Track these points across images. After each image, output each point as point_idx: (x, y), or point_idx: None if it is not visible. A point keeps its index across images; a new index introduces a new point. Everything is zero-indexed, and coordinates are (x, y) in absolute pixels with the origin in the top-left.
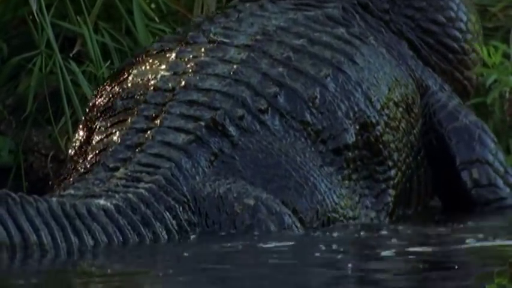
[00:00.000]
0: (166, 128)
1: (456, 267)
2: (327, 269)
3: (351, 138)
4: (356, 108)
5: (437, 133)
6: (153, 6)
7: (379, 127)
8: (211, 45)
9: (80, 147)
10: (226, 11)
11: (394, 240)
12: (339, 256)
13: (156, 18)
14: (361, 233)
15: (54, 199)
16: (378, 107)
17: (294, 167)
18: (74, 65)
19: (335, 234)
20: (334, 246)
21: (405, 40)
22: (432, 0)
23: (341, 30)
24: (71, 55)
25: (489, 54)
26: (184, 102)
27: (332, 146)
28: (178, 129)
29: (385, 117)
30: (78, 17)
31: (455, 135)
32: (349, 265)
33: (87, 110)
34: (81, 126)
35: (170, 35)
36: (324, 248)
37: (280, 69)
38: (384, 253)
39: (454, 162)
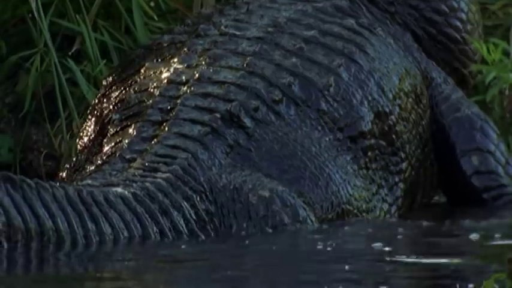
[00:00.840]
0: (182, 120)
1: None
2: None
3: (366, 125)
4: (370, 97)
5: (440, 124)
6: (152, 4)
7: (392, 117)
8: (223, 37)
9: (92, 138)
10: (235, 3)
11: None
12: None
13: (155, 17)
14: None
15: (71, 187)
16: (390, 96)
17: (309, 157)
18: (72, 64)
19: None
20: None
21: (409, 32)
22: None
23: (350, 21)
24: (70, 53)
25: (489, 52)
26: (199, 95)
27: (348, 134)
28: (194, 121)
29: (397, 107)
30: (77, 16)
31: (457, 125)
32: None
33: (96, 101)
34: (90, 117)
35: (180, 27)
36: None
37: (294, 59)
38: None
39: (455, 150)
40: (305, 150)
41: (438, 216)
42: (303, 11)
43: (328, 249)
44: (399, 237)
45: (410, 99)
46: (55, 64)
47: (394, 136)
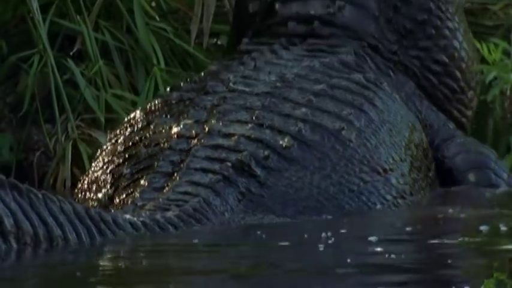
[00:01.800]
0: (193, 169)
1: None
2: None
3: (385, 165)
4: (383, 144)
5: (444, 166)
6: (153, 4)
7: (405, 164)
8: (231, 93)
9: (102, 191)
10: (242, 58)
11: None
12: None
13: (157, 17)
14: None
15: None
16: (403, 145)
17: (327, 197)
18: (71, 64)
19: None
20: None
21: (412, 80)
22: (437, 40)
23: (358, 76)
24: (71, 54)
25: (489, 51)
26: (209, 147)
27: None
28: (205, 170)
29: (410, 157)
30: (78, 16)
31: (462, 164)
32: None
33: (100, 153)
34: (97, 168)
35: (188, 84)
36: None
37: (303, 109)
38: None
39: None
40: (322, 191)
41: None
42: (310, 66)
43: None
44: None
45: (420, 152)
46: (51, 65)
47: (407, 186)
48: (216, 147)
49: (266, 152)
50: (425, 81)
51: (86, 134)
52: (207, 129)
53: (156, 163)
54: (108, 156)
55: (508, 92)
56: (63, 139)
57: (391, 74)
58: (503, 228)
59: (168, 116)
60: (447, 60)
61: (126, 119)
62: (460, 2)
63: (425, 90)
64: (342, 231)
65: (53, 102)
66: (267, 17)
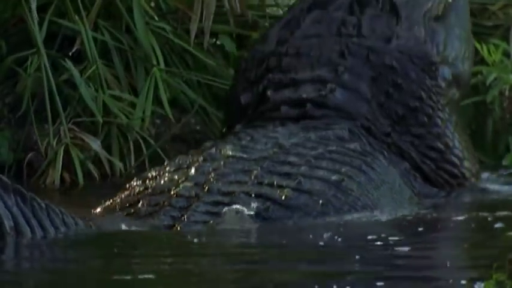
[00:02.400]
0: (194, 222)
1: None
2: None
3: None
4: (385, 199)
5: None
6: (152, 4)
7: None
8: (230, 159)
9: None
10: (238, 134)
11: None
12: None
13: (155, 17)
14: None
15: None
16: (404, 205)
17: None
18: (70, 64)
19: None
20: None
21: (408, 162)
22: (430, 128)
23: (354, 144)
24: (70, 54)
25: (489, 52)
26: (209, 203)
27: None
28: (205, 223)
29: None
30: (77, 16)
31: None
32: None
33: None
34: None
35: (185, 156)
36: None
37: (302, 168)
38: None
39: None
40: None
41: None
42: (306, 137)
43: None
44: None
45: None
46: (45, 66)
47: None
48: (217, 203)
49: (266, 204)
50: (424, 165)
51: (79, 138)
52: (206, 188)
53: (156, 218)
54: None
55: (507, 92)
56: (54, 143)
57: (385, 153)
58: (502, 228)
59: (167, 180)
60: (443, 147)
61: (124, 188)
62: (453, 97)
63: (424, 174)
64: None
65: (46, 104)
66: (259, 105)
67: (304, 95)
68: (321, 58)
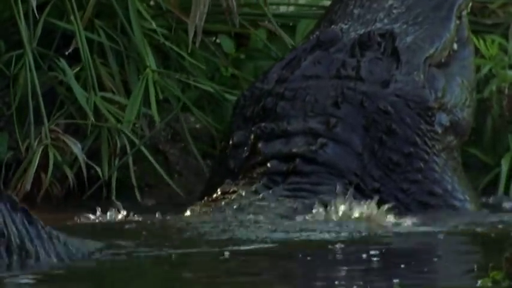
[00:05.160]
0: None
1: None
2: None
3: None
4: None
5: None
6: (151, 3)
7: None
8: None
9: None
10: (225, 200)
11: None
12: None
13: (149, 18)
14: None
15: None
16: None
17: None
18: (64, 64)
19: None
20: None
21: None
22: (426, 173)
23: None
24: (66, 53)
25: (486, 47)
26: None
27: None
28: None
29: None
30: (72, 15)
31: None
32: None
33: None
34: None
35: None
36: None
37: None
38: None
39: None
40: None
41: None
42: (293, 208)
43: None
44: None
45: None
46: (30, 66)
47: None
48: None
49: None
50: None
51: (61, 141)
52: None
53: None
54: None
55: (506, 90)
56: (35, 144)
57: None
58: (499, 229)
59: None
60: (441, 191)
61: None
62: (450, 144)
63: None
64: None
65: (29, 105)
66: (250, 155)
67: (295, 149)
68: (315, 106)
